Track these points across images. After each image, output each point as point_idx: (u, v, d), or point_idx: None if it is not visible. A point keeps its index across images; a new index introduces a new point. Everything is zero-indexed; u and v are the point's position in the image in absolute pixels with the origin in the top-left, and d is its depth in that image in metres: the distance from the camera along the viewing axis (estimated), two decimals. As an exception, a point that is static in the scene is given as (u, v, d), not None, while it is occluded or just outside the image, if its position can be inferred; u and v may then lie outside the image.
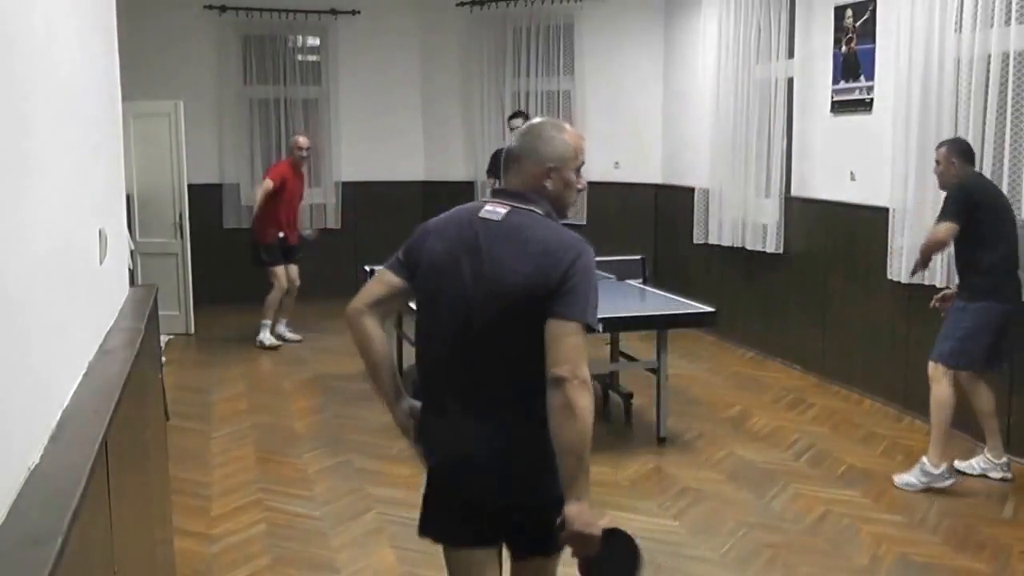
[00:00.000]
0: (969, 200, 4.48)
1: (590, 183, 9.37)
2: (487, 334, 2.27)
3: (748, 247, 7.34)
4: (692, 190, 7.99)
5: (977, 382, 4.69)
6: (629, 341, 6.23)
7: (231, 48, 9.33)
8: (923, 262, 4.71)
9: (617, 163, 9.04)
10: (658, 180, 8.86)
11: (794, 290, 6.97)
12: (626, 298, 6.06)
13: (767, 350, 7.30)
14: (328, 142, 9.59)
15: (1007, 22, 4.91)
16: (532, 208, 2.36)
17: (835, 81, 6.45)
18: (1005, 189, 4.92)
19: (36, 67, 1.78)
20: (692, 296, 5.85)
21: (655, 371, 5.32)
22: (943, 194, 5.21)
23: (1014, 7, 4.85)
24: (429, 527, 2.51)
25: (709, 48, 7.72)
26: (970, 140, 5.08)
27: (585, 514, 2.15)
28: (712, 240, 7.78)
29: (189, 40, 9.15)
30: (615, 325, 5.41)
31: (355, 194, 9.68)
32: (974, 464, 4.78)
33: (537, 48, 9.24)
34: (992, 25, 4.98)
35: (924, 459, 4.63)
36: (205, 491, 4.65)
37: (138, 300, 3.29)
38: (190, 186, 8.13)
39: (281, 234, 7.61)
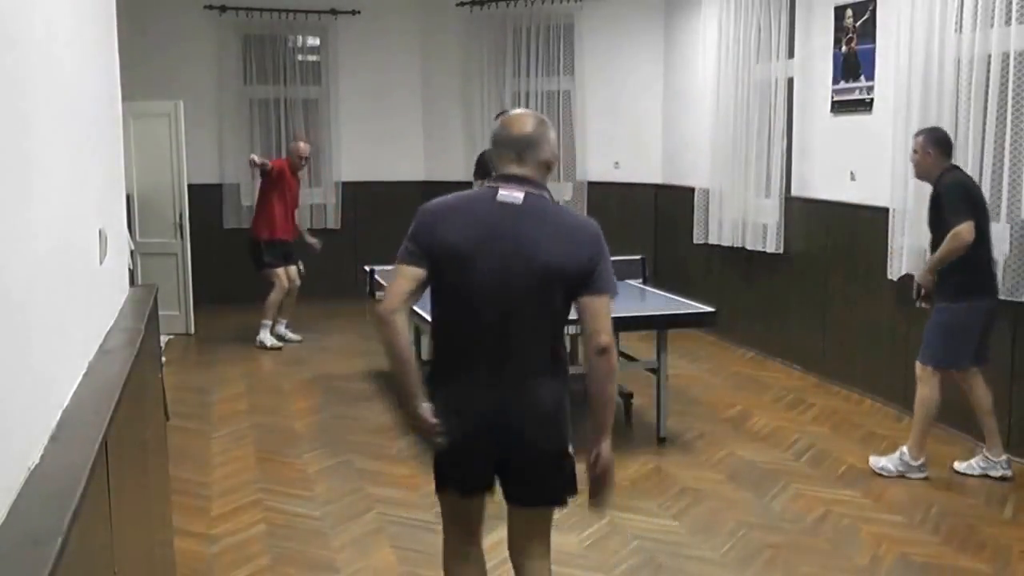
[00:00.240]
0: (969, 197, 4.51)
1: (590, 183, 9.49)
2: (521, 308, 2.55)
3: (748, 247, 7.34)
4: (692, 190, 7.99)
5: (974, 380, 4.71)
6: (629, 341, 6.22)
7: (231, 48, 9.34)
8: (932, 279, 4.65)
9: (617, 163, 9.05)
10: (658, 180, 8.86)
11: (794, 290, 6.96)
12: (626, 298, 6.05)
13: (767, 350, 7.30)
14: (328, 142, 9.59)
15: (1007, 22, 4.91)
16: (542, 193, 2.62)
17: (835, 81, 6.45)
18: (1005, 189, 4.93)
19: (36, 67, 1.78)
20: (692, 296, 5.85)
21: (655, 371, 5.32)
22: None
23: (1014, 7, 4.84)
24: (445, 480, 2.75)
25: (709, 48, 7.72)
26: (970, 140, 5.09)
27: (611, 452, 2.63)
28: (712, 240, 7.78)
29: (189, 40, 9.16)
30: (615, 325, 5.36)
31: (355, 194, 9.68)
32: (974, 464, 4.79)
33: (537, 48, 9.24)
34: (992, 25, 4.98)
35: (904, 449, 4.74)
36: (205, 491, 4.65)
37: (138, 300, 3.29)
38: (190, 186, 8.13)
39: (279, 235, 7.58)
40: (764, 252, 7.17)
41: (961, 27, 5.16)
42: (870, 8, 6.09)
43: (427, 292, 2.68)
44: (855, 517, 4.30)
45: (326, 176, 9.63)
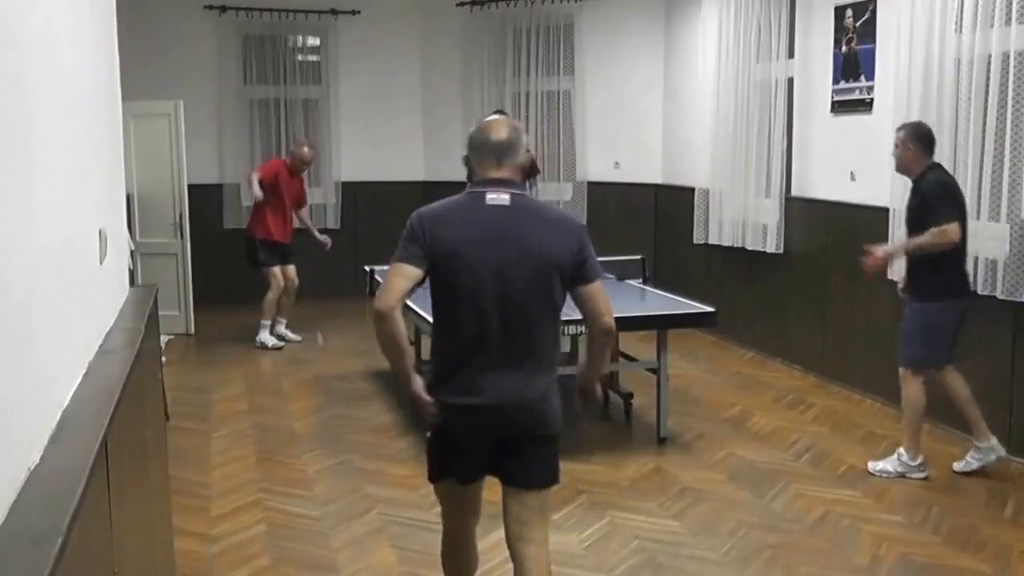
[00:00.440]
0: (953, 197, 4.54)
1: (590, 183, 9.49)
2: (522, 302, 2.76)
3: (748, 247, 7.34)
4: (692, 190, 7.99)
5: (950, 376, 4.74)
6: (629, 341, 6.22)
7: (231, 48, 9.34)
8: (893, 258, 4.76)
9: (617, 163, 9.05)
10: (658, 180, 8.86)
11: (794, 290, 6.96)
12: (626, 298, 6.05)
13: (767, 350, 7.30)
14: (328, 142, 9.59)
15: (1007, 22, 4.91)
16: (523, 192, 2.86)
17: (835, 81, 6.45)
18: (1005, 189, 4.93)
19: (36, 67, 1.78)
20: (692, 296, 5.84)
21: (655, 371, 5.31)
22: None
23: (1014, 7, 4.84)
24: (445, 469, 2.91)
25: (709, 48, 7.72)
26: (970, 140, 5.09)
27: (593, 381, 3.12)
28: (712, 240, 7.78)
29: (189, 40, 9.15)
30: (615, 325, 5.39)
31: (355, 194, 9.68)
32: (969, 460, 4.80)
33: (537, 48, 9.24)
34: (992, 25, 4.97)
35: (901, 450, 4.76)
36: (205, 491, 4.65)
37: (138, 300, 3.29)
38: (190, 186, 8.12)
39: (274, 236, 7.56)
40: (764, 252, 7.16)
41: (961, 27, 5.16)
42: (870, 8, 6.09)
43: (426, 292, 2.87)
44: (855, 517, 4.30)
45: (326, 176, 9.63)
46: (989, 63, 5.01)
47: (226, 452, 5.25)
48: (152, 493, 2.89)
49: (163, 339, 7.23)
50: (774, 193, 7.06)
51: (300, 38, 9.66)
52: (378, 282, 6.12)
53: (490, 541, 3.55)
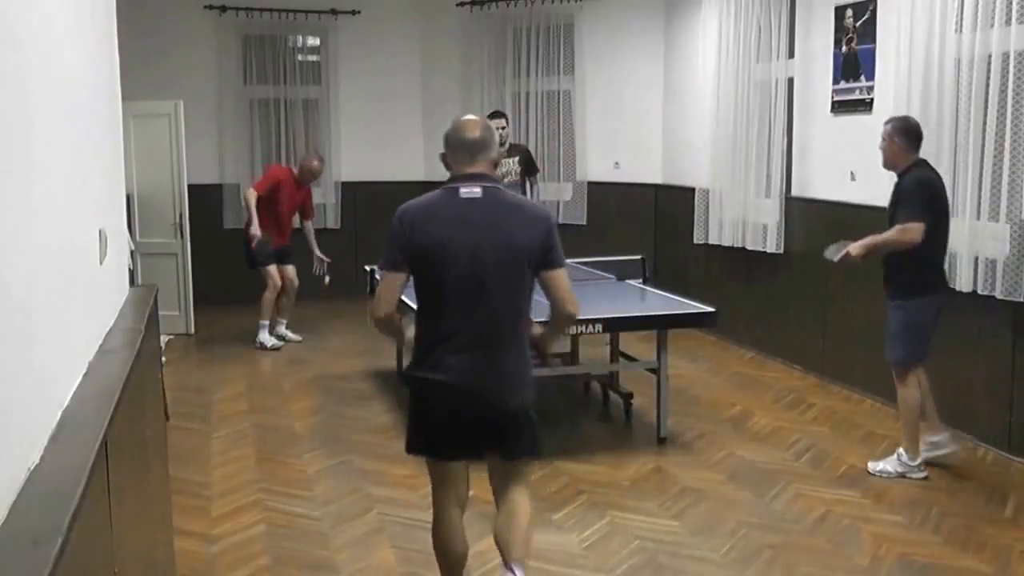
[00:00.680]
0: (930, 197, 4.55)
1: (590, 183, 9.48)
2: (496, 287, 2.99)
3: (748, 247, 7.33)
4: (692, 190, 7.99)
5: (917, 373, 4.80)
6: (629, 341, 6.23)
7: (231, 48, 9.33)
8: (864, 257, 4.72)
9: (617, 163, 9.05)
10: (658, 180, 8.86)
11: (794, 290, 6.96)
12: (626, 298, 6.06)
13: (767, 350, 7.30)
14: (328, 142, 9.58)
15: (1007, 22, 4.90)
16: (496, 185, 3.12)
17: (835, 81, 6.45)
18: (1005, 189, 4.93)
19: (36, 67, 1.78)
20: (692, 296, 5.84)
21: (655, 371, 5.31)
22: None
23: (1014, 7, 4.84)
24: (419, 444, 3.20)
25: (709, 48, 7.72)
26: (970, 140, 5.09)
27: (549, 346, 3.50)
28: (712, 240, 7.78)
29: (189, 40, 9.15)
30: (615, 325, 5.41)
31: (355, 194, 9.68)
32: (944, 451, 4.87)
33: (537, 48, 9.24)
34: (992, 25, 4.97)
35: (900, 450, 4.77)
36: (205, 491, 4.65)
37: (138, 300, 3.29)
38: (190, 186, 8.12)
39: (259, 232, 7.51)
40: (764, 252, 7.16)
41: (961, 27, 5.16)
42: (870, 8, 6.09)
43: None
44: (855, 517, 4.30)
45: (326, 176, 9.58)
46: (989, 63, 5.01)
47: (226, 452, 5.25)
48: (152, 493, 2.89)
49: (163, 339, 7.23)
50: (774, 193, 7.06)
51: (300, 38, 9.66)
52: (378, 281, 6.13)
53: (489, 542, 3.55)
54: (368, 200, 9.57)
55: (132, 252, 6.10)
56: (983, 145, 5.02)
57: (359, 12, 9.53)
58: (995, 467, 4.94)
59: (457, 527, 3.25)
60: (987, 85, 5.02)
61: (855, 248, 4.70)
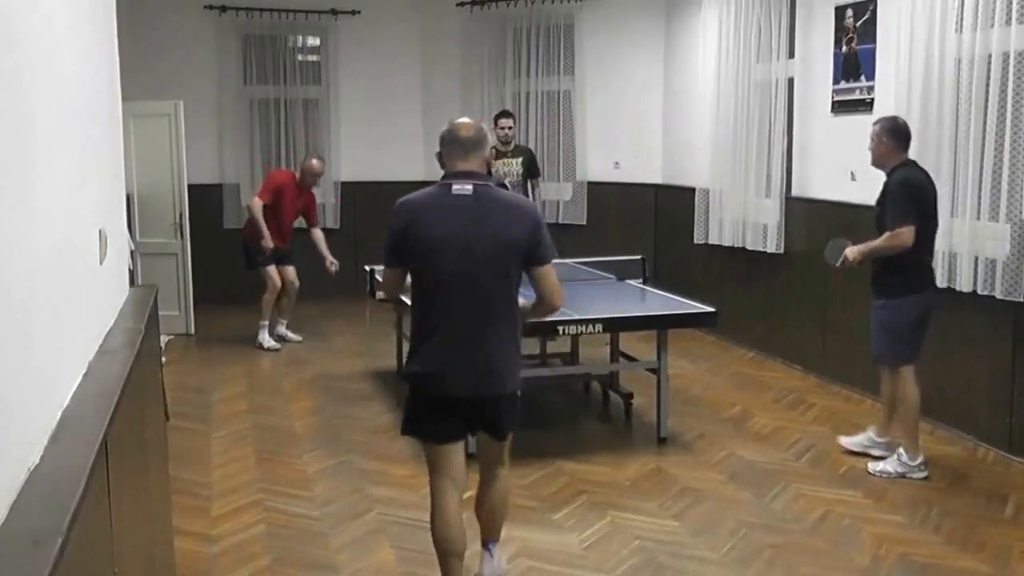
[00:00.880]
0: (917, 198, 4.58)
1: (590, 183, 9.48)
2: (487, 278, 3.18)
3: (748, 247, 7.33)
4: (692, 190, 7.99)
5: (885, 370, 4.86)
6: (629, 341, 6.22)
7: (231, 48, 9.33)
8: (860, 263, 4.79)
9: (617, 163, 9.05)
10: (658, 180, 8.86)
11: (795, 290, 6.96)
12: (626, 298, 6.06)
13: (767, 350, 7.30)
14: (328, 142, 9.58)
15: (1007, 22, 4.90)
16: (487, 183, 3.27)
17: (835, 81, 6.45)
18: (1005, 189, 4.93)
19: (36, 67, 1.78)
20: (692, 296, 5.84)
21: (655, 371, 5.31)
22: (944, 194, 5.23)
23: (1014, 7, 4.84)
24: (416, 429, 3.39)
25: (709, 48, 7.72)
26: (970, 140, 5.09)
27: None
28: (712, 240, 7.78)
29: (189, 40, 9.15)
30: (615, 325, 5.41)
31: (355, 194, 9.68)
32: (857, 440, 5.06)
33: (537, 48, 9.24)
34: (992, 25, 4.97)
35: (901, 450, 4.78)
36: (205, 491, 4.65)
37: (138, 300, 3.29)
38: (190, 186, 8.12)
39: (271, 243, 7.51)
40: (764, 252, 7.16)
41: (961, 27, 5.16)
42: (870, 8, 6.09)
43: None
44: (856, 517, 4.30)
45: (326, 176, 9.59)
46: (989, 63, 5.01)
47: (226, 452, 5.25)
48: (152, 493, 2.89)
49: (163, 339, 7.23)
50: (774, 193, 7.05)
51: (300, 38, 9.65)
52: (378, 280, 6.13)
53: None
54: (368, 200, 9.57)
55: (132, 252, 6.10)
56: (983, 145, 5.02)
57: (359, 12, 9.54)
58: (995, 467, 4.94)
59: (455, 515, 3.34)
60: (987, 85, 5.02)
61: (852, 253, 4.78)
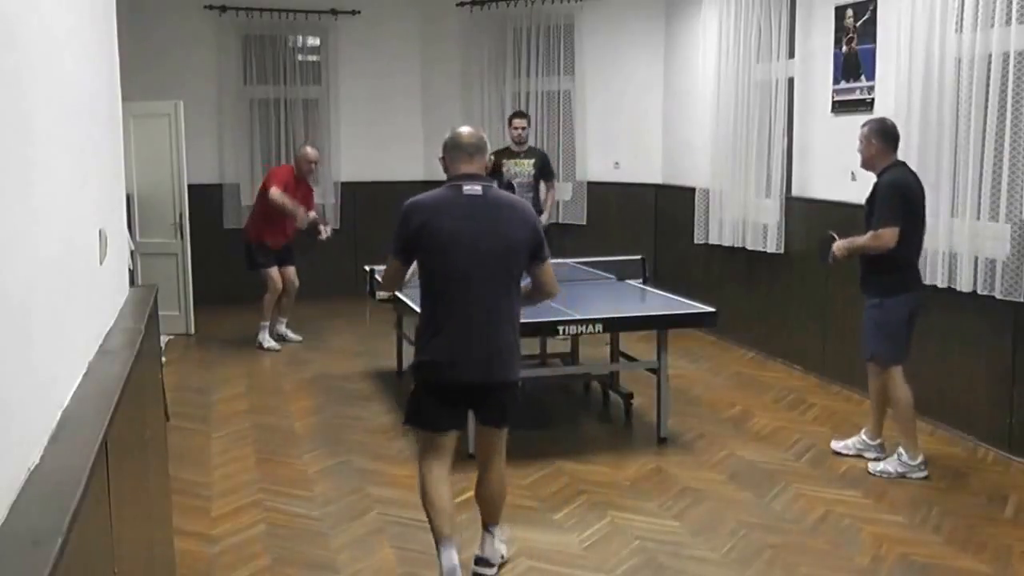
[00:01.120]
0: (904, 200, 4.62)
1: (590, 183, 9.48)
2: (494, 274, 3.41)
3: (749, 247, 7.33)
4: (692, 190, 7.99)
5: (874, 370, 4.88)
6: (629, 341, 6.22)
7: (231, 48, 9.33)
8: (847, 258, 4.87)
9: (617, 163, 9.05)
10: (658, 180, 8.86)
11: (795, 290, 6.96)
12: (626, 298, 6.06)
13: (768, 350, 7.29)
14: (328, 142, 9.58)
15: (1007, 22, 4.90)
16: (491, 184, 3.52)
17: (836, 81, 6.45)
18: (1005, 189, 4.93)
19: (36, 67, 1.78)
20: (692, 296, 5.84)
21: (655, 371, 5.31)
22: (944, 194, 5.23)
23: (1014, 7, 4.84)
24: (426, 419, 3.55)
25: (709, 48, 7.71)
26: (970, 140, 5.09)
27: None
28: (712, 240, 7.78)
29: (189, 40, 9.15)
30: (615, 325, 5.41)
31: (355, 194, 9.68)
32: (849, 444, 5.06)
33: (537, 48, 9.24)
34: (992, 25, 4.97)
35: (900, 450, 4.78)
36: (205, 491, 4.65)
37: (138, 300, 3.29)
38: (190, 186, 8.11)
39: (267, 238, 7.52)
40: (764, 252, 7.16)
41: (961, 27, 5.16)
42: (870, 8, 6.09)
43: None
44: (856, 517, 4.30)
45: (326, 176, 9.61)
46: (989, 63, 5.01)
47: (226, 452, 5.25)
48: (152, 493, 2.89)
49: (163, 339, 7.22)
50: (774, 193, 7.05)
51: (300, 38, 9.65)
52: (377, 281, 6.13)
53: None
54: (368, 200, 9.57)
55: (132, 252, 6.10)
56: (983, 145, 5.02)
57: (359, 12, 9.54)
58: (995, 467, 4.94)
59: (444, 478, 3.55)
60: (987, 85, 5.02)
61: (839, 249, 4.88)
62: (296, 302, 7.92)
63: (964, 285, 5.14)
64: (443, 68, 9.82)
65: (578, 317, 5.02)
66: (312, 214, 7.67)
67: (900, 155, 5.61)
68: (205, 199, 8.91)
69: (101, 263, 2.59)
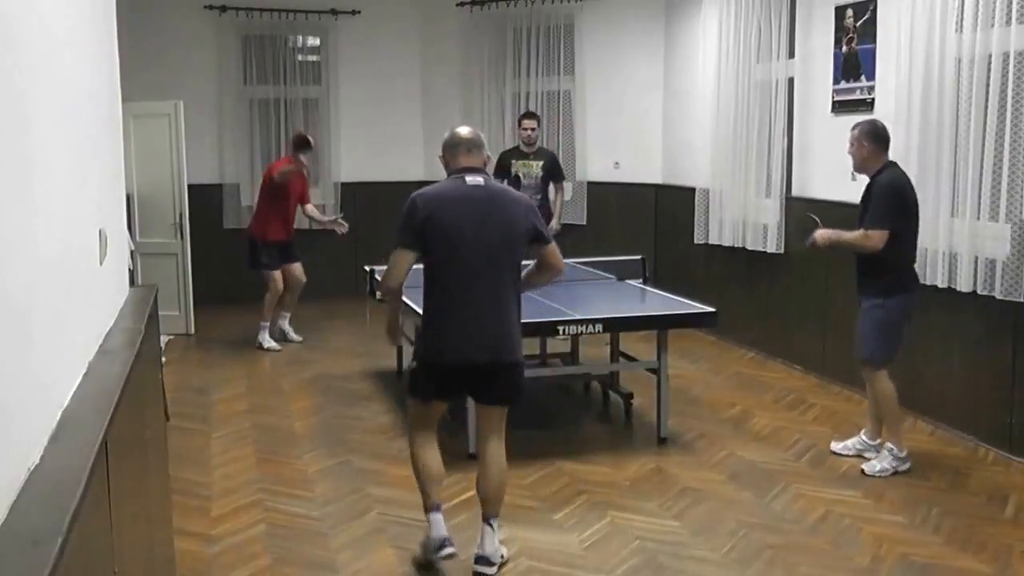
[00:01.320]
0: (899, 203, 4.64)
1: (590, 183, 9.48)
2: (497, 261, 3.58)
3: (749, 247, 7.33)
4: (692, 190, 7.99)
5: (868, 371, 4.90)
6: (629, 341, 6.22)
7: (231, 48, 9.33)
8: (829, 249, 4.96)
9: (617, 163, 9.04)
10: (658, 180, 8.86)
11: (795, 290, 6.96)
12: (626, 298, 6.06)
13: (768, 350, 7.29)
14: (328, 142, 9.58)
15: (1007, 22, 4.90)
16: (490, 176, 3.74)
17: (836, 81, 6.45)
18: (1005, 189, 4.93)
19: (36, 67, 1.78)
20: (692, 296, 5.84)
21: (655, 371, 5.31)
22: (944, 194, 5.23)
23: (1014, 7, 4.84)
24: (422, 391, 3.75)
25: (709, 48, 7.71)
26: (970, 140, 5.09)
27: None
28: (712, 240, 7.78)
29: (189, 40, 9.15)
30: (615, 325, 5.41)
31: (355, 194, 9.67)
32: (848, 445, 5.05)
33: (537, 48, 9.23)
34: (992, 25, 4.97)
35: (890, 444, 4.82)
36: (205, 491, 4.65)
37: (138, 300, 3.29)
38: (190, 186, 8.11)
39: (271, 236, 7.52)
40: (764, 252, 7.16)
41: (961, 27, 5.16)
42: (870, 8, 6.09)
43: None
44: (856, 517, 4.30)
45: (326, 176, 9.63)
46: (989, 63, 5.01)
47: (226, 452, 5.25)
48: (152, 493, 2.89)
49: (163, 339, 7.23)
50: (774, 193, 7.05)
51: (300, 38, 9.65)
52: (377, 280, 6.13)
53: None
54: (368, 200, 9.57)
55: (132, 252, 6.10)
56: (983, 145, 5.02)
57: (359, 12, 9.54)
58: (995, 467, 4.94)
59: (434, 443, 3.78)
60: (987, 85, 5.02)
61: (821, 237, 4.93)
62: (296, 302, 7.91)
63: (964, 285, 5.14)
64: (443, 68, 9.82)
65: (578, 317, 5.03)
66: (326, 218, 7.84)
67: (900, 155, 5.63)
68: (205, 199, 8.91)
69: (101, 263, 2.59)
